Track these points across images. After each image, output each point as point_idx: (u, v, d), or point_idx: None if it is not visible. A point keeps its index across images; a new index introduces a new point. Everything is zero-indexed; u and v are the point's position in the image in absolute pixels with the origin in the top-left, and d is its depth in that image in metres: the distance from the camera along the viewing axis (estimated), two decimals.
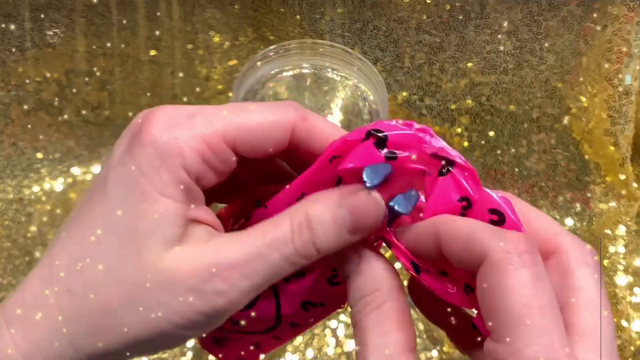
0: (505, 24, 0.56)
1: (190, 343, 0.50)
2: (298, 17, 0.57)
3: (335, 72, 0.49)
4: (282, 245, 0.23)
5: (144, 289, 0.23)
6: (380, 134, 0.24)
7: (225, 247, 0.23)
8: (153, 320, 0.23)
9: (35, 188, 0.57)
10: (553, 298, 0.21)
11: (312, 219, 0.23)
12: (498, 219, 0.23)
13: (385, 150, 0.24)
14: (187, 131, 0.23)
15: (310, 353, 0.50)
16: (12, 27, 0.56)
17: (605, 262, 0.54)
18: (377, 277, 0.24)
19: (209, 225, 0.25)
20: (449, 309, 0.27)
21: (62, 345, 0.23)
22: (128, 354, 0.23)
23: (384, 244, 0.26)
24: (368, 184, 0.23)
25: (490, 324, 0.21)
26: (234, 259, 0.23)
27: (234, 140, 0.24)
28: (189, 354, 0.50)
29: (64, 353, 0.23)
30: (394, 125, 0.24)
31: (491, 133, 0.59)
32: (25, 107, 0.58)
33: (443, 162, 0.24)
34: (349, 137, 0.24)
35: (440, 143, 0.24)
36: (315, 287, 0.27)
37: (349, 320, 0.51)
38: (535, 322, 0.20)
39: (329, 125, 0.26)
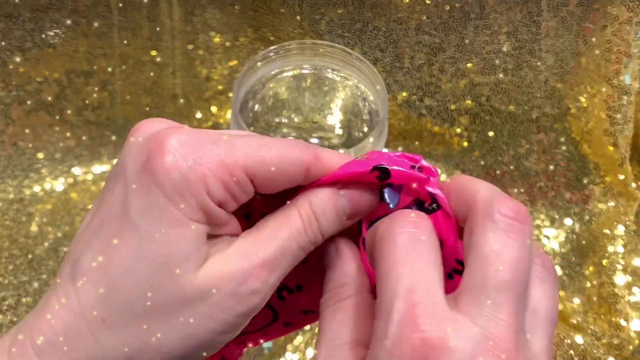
0: (505, 24, 0.56)
1: None
2: (298, 17, 0.57)
3: (335, 72, 0.49)
4: (299, 237, 0.25)
5: (183, 309, 0.23)
6: (383, 172, 0.26)
7: (250, 248, 0.24)
8: (193, 334, 0.24)
9: (36, 188, 0.57)
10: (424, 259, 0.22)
11: (317, 210, 0.25)
12: (461, 268, 0.25)
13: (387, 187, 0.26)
14: (211, 158, 0.23)
15: (310, 352, 0.50)
16: (13, 27, 0.56)
17: (605, 261, 0.54)
18: (347, 274, 0.26)
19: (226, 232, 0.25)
20: None
21: None
22: None
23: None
24: (391, 206, 0.26)
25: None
26: (261, 258, 0.24)
27: (253, 173, 0.24)
28: None
29: None
30: (399, 160, 0.26)
31: (491, 133, 0.59)
32: (26, 107, 0.58)
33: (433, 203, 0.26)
34: (354, 168, 0.26)
35: (436, 190, 0.26)
36: (313, 298, 0.28)
37: None
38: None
39: (342, 160, 0.27)
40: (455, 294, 0.22)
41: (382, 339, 0.21)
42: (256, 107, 0.48)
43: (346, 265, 0.26)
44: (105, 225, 0.24)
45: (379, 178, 0.25)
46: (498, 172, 0.59)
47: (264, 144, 0.25)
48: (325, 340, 0.24)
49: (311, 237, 0.25)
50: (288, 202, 0.26)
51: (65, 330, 0.23)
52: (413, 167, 0.26)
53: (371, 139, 0.43)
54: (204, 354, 0.25)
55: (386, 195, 0.26)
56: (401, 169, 0.25)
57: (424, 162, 0.26)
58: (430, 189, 0.26)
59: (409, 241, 0.23)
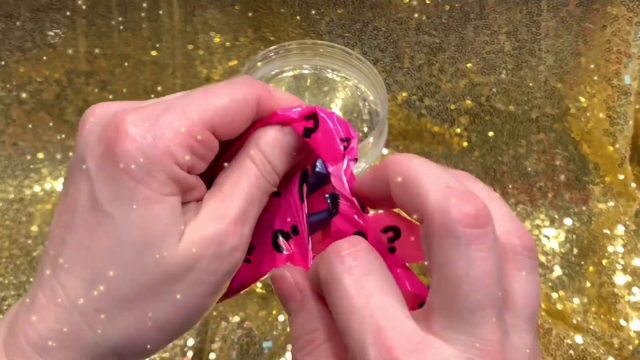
0: (505, 24, 0.56)
1: (190, 342, 0.50)
2: (298, 17, 0.57)
3: (335, 72, 0.49)
4: (258, 182, 0.26)
5: (173, 283, 0.24)
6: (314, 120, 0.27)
7: (220, 209, 0.25)
8: (187, 303, 0.24)
9: (36, 188, 0.57)
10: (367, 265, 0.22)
11: (266, 152, 0.26)
12: (393, 235, 0.25)
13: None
14: (169, 127, 0.23)
15: None
16: (13, 27, 0.56)
17: (604, 261, 0.54)
18: (316, 316, 0.24)
19: (194, 197, 0.26)
20: None
21: (102, 349, 0.24)
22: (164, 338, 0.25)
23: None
24: (318, 169, 0.27)
25: None
26: (233, 215, 0.25)
27: (213, 125, 0.24)
28: (189, 353, 0.50)
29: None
30: (335, 126, 0.27)
31: (490, 133, 0.59)
32: (26, 107, 0.58)
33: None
34: (291, 114, 0.27)
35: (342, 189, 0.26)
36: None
37: None
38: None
39: (286, 94, 0.27)
40: (426, 312, 0.21)
41: None
42: None
43: (314, 308, 0.24)
44: (78, 219, 0.24)
45: (307, 130, 0.26)
46: (498, 172, 0.59)
47: (213, 93, 0.25)
48: None
49: (269, 178, 0.26)
50: (238, 152, 0.27)
51: (61, 326, 0.23)
52: (343, 140, 0.27)
53: (371, 139, 0.43)
54: (199, 316, 0.25)
55: (319, 164, 0.27)
56: (331, 125, 0.26)
57: (354, 144, 0.27)
58: (336, 189, 0.26)
59: (355, 280, 0.21)
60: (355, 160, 0.27)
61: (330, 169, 0.26)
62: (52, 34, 0.57)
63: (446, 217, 0.20)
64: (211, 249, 0.24)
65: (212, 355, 0.48)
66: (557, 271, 0.55)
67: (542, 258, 0.56)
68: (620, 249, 0.54)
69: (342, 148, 0.26)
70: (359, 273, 0.22)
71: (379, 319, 0.20)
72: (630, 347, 0.49)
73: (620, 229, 0.55)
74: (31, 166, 0.58)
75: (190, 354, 0.50)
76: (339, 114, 0.48)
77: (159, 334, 0.24)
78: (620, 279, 0.53)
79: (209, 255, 0.24)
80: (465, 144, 0.60)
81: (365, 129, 0.48)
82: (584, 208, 0.58)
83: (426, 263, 0.22)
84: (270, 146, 0.26)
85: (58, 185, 0.58)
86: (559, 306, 0.51)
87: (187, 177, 0.24)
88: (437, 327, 0.20)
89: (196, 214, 0.25)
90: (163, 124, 0.23)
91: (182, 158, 0.23)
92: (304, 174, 0.28)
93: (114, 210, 0.23)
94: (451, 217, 0.20)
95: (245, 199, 0.25)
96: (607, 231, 0.55)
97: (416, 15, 0.56)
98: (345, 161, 0.26)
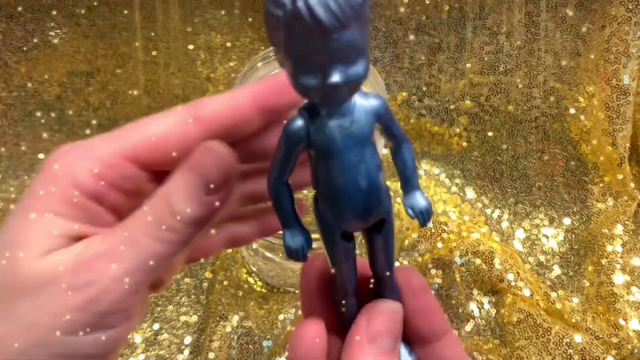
0: (504, 24, 0.57)
1: (188, 340, 0.50)
2: None
3: None
4: (141, 224, 0.23)
5: (21, 297, 0.22)
6: None
7: (91, 242, 0.23)
8: (32, 326, 0.22)
9: None
10: None
11: (167, 191, 0.23)
12: None
13: None
14: (81, 153, 0.24)
15: None
16: (14, 27, 0.56)
17: (603, 261, 0.54)
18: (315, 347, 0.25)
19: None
20: None
21: None
22: None
23: None
24: None
25: None
26: (99, 250, 0.23)
27: (134, 153, 0.24)
28: (186, 352, 0.50)
29: None
30: None
31: (490, 133, 0.60)
32: (27, 107, 0.58)
33: None
34: None
35: None
36: None
37: None
38: None
39: (220, 98, 0.25)
40: None
41: None
42: None
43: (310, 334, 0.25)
44: None
45: None
46: (497, 172, 0.59)
47: (139, 124, 0.24)
48: None
49: (159, 221, 0.23)
50: None
51: None
52: None
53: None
54: (40, 356, 0.22)
55: None
56: None
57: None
58: None
59: None
60: None
61: None
62: (52, 34, 0.57)
63: None
64: (66, 277, 0.22)
65: (211, 355, 0.48)
66: (556, 271, 0.55)
67: (542, 258, 0.56)
68: (619, 249, 0.54)
69: None
70: None
71: None
72: (629, 347, 0.50)
73: (619, 229, 0.55)
74: (32, 166, 0.58)
75: (186, 352, 0.50)
76: None
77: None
78: (619, 278, 0.53)
79: (63, 282, 0.22)
80: (464, 144, 0.60)
81: None
82: (583, 208, 0.58)
83: None
84: (171, 187, 0.23)
85: None
86: (558, 305, 0.51)
87: (86, 202, 0.24)
88: None
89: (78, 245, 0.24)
90: (79, 150, 0.24)
91: (85, 182, 0.23)
92: None
93: (7, 220, 0.24)
94: None
95: (121, 237, 0.23)
96: (606, 231, 0.56)
97: (416, 15, 0.56)
98: None
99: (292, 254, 0.24)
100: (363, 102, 0.23)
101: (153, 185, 0.25)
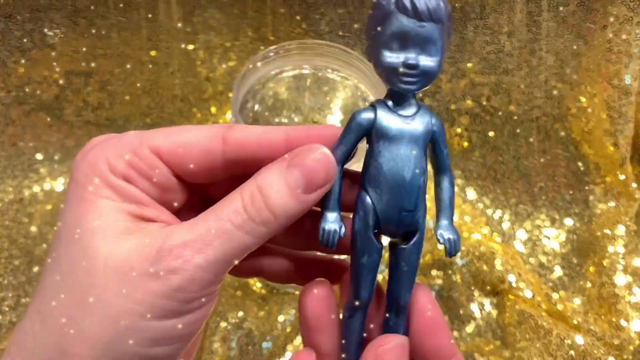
0: (505, 24, 0.56)
1: None
2: (298, 17, 0.57)
3: (335, 72, 0.49)
4: (233, 215, 0.23)
5: (94, 285, 0.22)
6: None
7: (176, 230, 0.23)
8: (112, 316, 0.22)
9: (36, 188, 0.57)
10: None
11: (263, 185, 0.24)
12: None
13: None
14: (114, 141, 0.25)
15: None
16: (13, 27, 0.56)
17: (605, 262, 0.54)
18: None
19: (165, 223, 0.25)
20: None
21: None
22: None
23: None
24: None
25: None
26: (185, 238, 0.23)
27: (157, 148, 0.25)
28: None
29: None
30: None
31: (491, 133, 0.59)
32: (26, 107, 0.58)
33: None
34: None
35: None
36: None
37: None
38: None
39: (255, 128, 0.26)
40: None
41: None
42: (256, 107, 0.48)
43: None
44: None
45: None
46: (498, 172, 0.59)
47: (175, 128, 0.26)
48: None
49: (252, 213, 0.23)
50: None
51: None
52: None
53: None
54: (130, 341, 0.22)
55: None
56: None
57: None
58: None
59: None
60: None
61: None
62: (51, 34, 0.57)
63: None
64: (145, 263, 0.22)
65: (211, 355, 0.48)
66: (558, 271, 0.55)
67: (543, 258, 0.56)
68: (621, 249, 0.54)
69: None
70: None
71: None
72: (631, 348, 0.49)
73: (620, 229, 0.55)
74: (30, 166, 0.58)
75: None
76: (339, 113, 0.48)
77: (83, 343, 0.22)
78: (620, 279, 0.53)
79: (141, 269, 0.22)
80: (465, 144, 0.60)
81: None
82: (584, 208, 0.58)
83: None
84: (269, 178, 0.24)
85: (57, 185, 0.57)
86: (560, 306, 0.51)
87: (122, 184, 0.24)
88: None
89: (152, 230, 0.24)
90: (112, 140, 0.25)
91: (117, 166, 0.24)
92: None
93: (64, 212, 0.24)
94: None
95: (207, 227, 0.23)
96: (607, 231, 0.55)
97: None
98: None
99: (324, 236, 0.25)
100: (426, 114, 0.25)
101: (177, 181, 0.26)
